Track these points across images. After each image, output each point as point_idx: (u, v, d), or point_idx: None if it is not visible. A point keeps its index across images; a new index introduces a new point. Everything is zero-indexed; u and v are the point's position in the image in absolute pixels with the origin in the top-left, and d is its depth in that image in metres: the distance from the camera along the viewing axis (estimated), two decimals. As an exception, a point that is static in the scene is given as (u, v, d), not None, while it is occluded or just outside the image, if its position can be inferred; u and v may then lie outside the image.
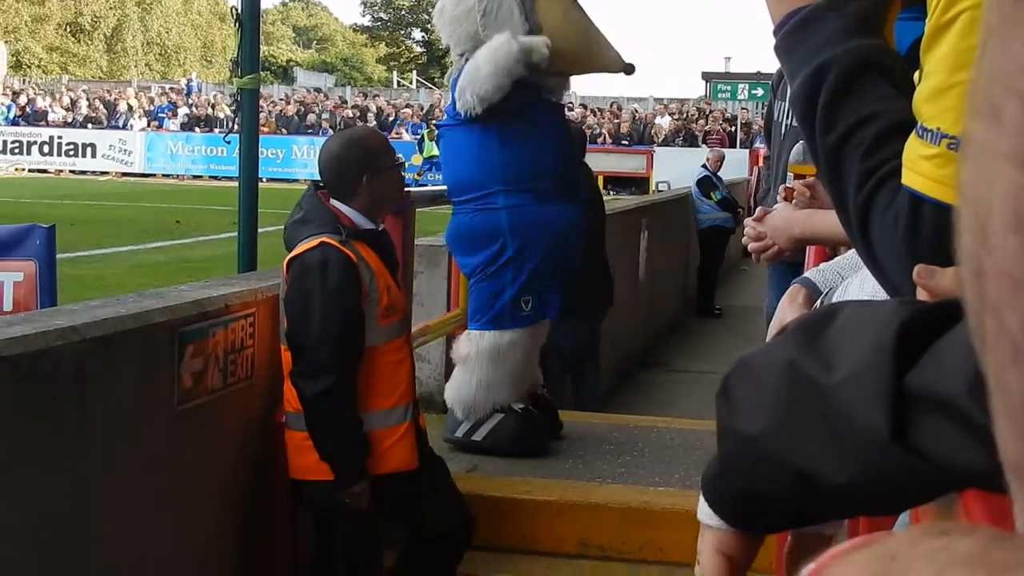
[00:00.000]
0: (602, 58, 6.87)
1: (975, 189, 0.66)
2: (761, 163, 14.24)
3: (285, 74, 78.76)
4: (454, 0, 6.54)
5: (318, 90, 55.09)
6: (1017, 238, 0.62)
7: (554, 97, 6.78)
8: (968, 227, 0.67)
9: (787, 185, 3.62)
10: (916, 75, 1.59)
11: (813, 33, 1.62)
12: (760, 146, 24.58)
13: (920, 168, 1.46)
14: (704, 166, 17.24)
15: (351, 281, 4.87)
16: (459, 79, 6.47)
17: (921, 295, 1.29)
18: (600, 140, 40.44)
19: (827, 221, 2.86)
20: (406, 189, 5.99)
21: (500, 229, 6.46)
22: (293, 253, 4.92)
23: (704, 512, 1.26)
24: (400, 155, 5.70)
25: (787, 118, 6.36)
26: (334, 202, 5.10)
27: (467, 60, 6.46)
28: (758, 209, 3.63)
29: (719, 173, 17.29)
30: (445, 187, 6.89)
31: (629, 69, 6.90)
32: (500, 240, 6.48)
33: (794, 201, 3.49)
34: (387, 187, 5.25)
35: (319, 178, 5.29)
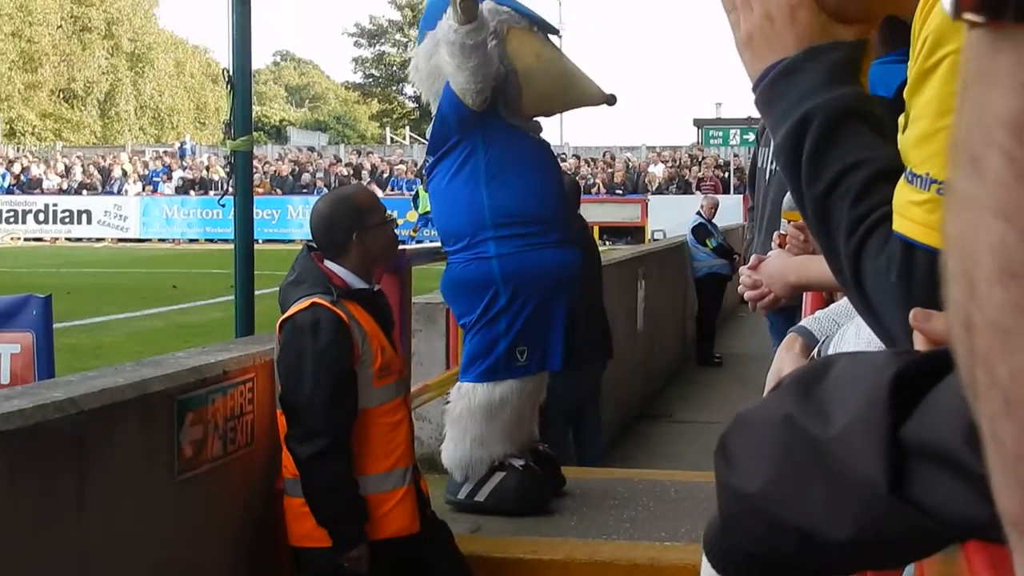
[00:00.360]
0: (581, 92, 6.85)
1: (960, 241, 0.66)
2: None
3: (278, 134, 78.96)
4: (425, 54, 6.50)
5: (312, 149, 55.18)
6: (1004, 290, 0.62)
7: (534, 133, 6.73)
8: (955, 279, 0.67)
9: (781, 232, 3.62)
10: (902, 119, 1.59)
11: (793, 85, 1.62)
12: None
13: (911, 214, 1.46)
14: (699, 213, 17.24)
15: (342, 341, 4.86)
16: (441, 100, 6.44)
17: (918, 340, 1.28)
18: (594, 190, 40.53)
19: (822, 267, 2.85)
20: (401, 247, 5.98)
21: (492, 277, 6.40)
22: (285, 315, 4.93)
23: (707, 573, 1.25)
24: (392, 212, 5.71)
25: (771, 164, 6.35)
26: (327, 263, 5.12)
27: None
28: (752, 257, 3.63)
29: (714, 220, 17.30)
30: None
31: (611, 100, 6.87)
32: (493, 289, 6.41)
33: (787, 247, 3.50)
34: (378, 244, 5.25)
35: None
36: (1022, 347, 0.61)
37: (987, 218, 0.63)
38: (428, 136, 6.80)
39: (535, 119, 6.74)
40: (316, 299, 4.88)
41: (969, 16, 0.66)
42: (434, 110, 6.61)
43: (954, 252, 0.67)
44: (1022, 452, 0.61)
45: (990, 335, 0.63)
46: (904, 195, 1.48)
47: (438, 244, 6.91)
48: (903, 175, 1.49)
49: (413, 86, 6.97)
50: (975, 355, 0.65)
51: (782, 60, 1.64)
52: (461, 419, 6.54)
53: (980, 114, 0.64)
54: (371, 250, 5.19)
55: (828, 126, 1.57)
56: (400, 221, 36.37)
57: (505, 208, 6.39)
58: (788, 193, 3.98)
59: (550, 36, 6.82)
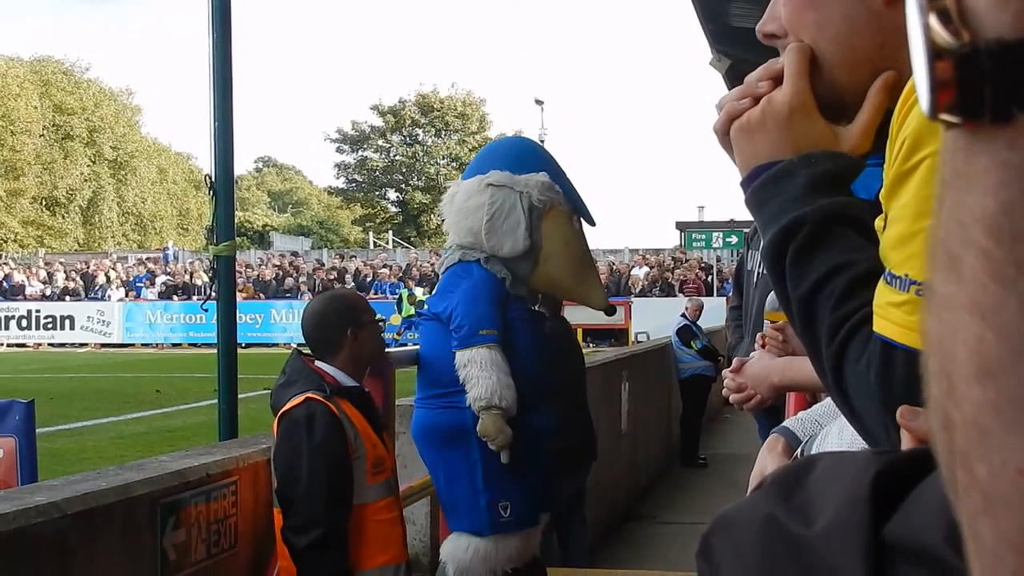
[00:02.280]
0: (588, 294, 6.87)
1: (939, 341, 0.67)
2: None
3: (261, 239, 79.04)
4: (465, 193, 6.48)
5: (295, 253, 55.28)
6: (981, 388, 0.63)
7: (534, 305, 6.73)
8: (934, 378, 0.67)
9: (763, 333, 3.64)
10: (879, 221, 1.60)
11: (785, 188, 1.63)
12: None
13: (890, 315, 1.46)
14: (684, 315, 17.26)
15: (337, 433, 4.88)
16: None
17: (905, 438, 1.28)
18: (578, 293, 40.50)
19: (804, 369, 2.86)
20: (386, 349, 5.97)
21: (466, 428, 6.33)
22: (281, 410, 4.93)
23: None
24: (381, 315, 5.73)
25: (759, 267, 6.36)
26: (318, 363, 5.15)
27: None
28: (734, 360, 3.65)
29: (698, 322, 17.32)
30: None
31: (610, 310, 6.96)
32: (466, 439, 6.33)
33: (767, 347, 3.51)
34: (370, 343, 5.30)
35: (303, 341, 5.34)
36: (1000, 445, 0.61)
37: (964, 317, 0.64)
38: (437, 267, 6.73)
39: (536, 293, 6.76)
40: (310, 394, 4.91)
41: (945, 117, 0.67)
42: (449, 240, 6.59)
43: (933, 351, 0.68)
44: (1001, 549, 0.62)
45: (968, 433, 0.63)
46: (884, 296, 1.48)
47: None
48: (883, 276, 1.50)
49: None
50: (954, 453, 0.65)
51: (775, 163, 1.65)
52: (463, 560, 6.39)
53: (957, 214, 0.65)
54: (363, 348, 5.24)
55: (816, 231, 1.58)
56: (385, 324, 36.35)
57: None
58: (771, 294, 4.00)
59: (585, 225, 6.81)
